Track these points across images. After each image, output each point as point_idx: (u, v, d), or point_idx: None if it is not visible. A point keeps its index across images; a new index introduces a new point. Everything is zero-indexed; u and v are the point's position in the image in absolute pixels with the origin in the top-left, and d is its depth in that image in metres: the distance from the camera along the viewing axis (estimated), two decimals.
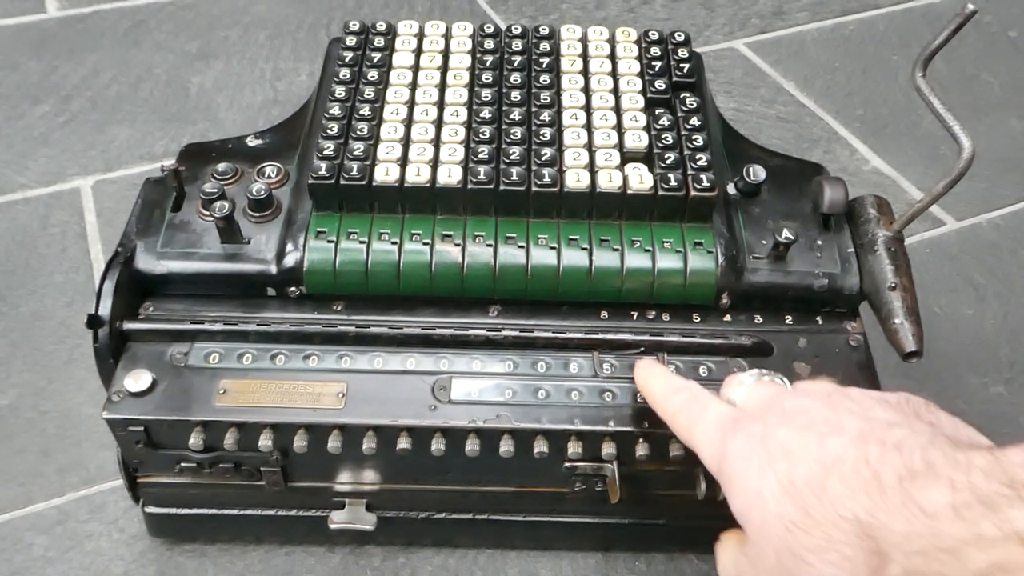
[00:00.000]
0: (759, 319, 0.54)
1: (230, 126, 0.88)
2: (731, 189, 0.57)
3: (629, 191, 0.52)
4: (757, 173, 0.56)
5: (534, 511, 0.56)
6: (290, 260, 0.52)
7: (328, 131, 0.54)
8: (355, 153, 0.53)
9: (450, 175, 0.52)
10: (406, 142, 0.55)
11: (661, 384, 0.47)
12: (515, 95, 0.58)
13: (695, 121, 0.57)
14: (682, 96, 0.58)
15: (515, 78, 0.59)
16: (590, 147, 0.55)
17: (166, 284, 0.53)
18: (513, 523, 0.56)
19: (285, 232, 0.53)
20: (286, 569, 0.57)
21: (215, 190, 0.53)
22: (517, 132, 0.55)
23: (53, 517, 0.60)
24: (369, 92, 0.57)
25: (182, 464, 0.51)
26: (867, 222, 0.55)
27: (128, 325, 0.51)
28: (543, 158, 0.53)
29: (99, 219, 0.79)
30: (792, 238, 0.53)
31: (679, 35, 0.63)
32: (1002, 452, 0.33)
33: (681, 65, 0.61)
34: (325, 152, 0.53)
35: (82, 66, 0.95)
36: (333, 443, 0.49)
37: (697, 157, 0.54)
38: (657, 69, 0.60)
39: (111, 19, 1.01)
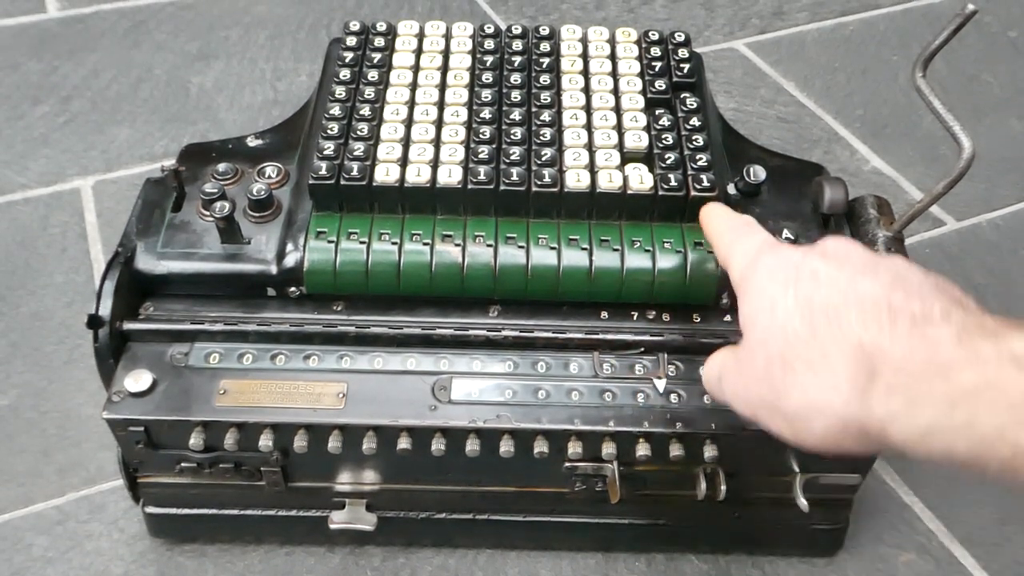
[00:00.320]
0: None
1: (230, 126, 0.88)
2: (731, 189, 0.57)
3: (629, 191, 0.52)
4: (757, 173, 0.56)
5: (534, 511, 0.56)
6: (290, 260, 0.52)
7: (328, 131, 0.54)
8: (355, 153, 0.53)
9: (450, 175, 0.52)
10: (406, 142, 0.55)
11: (723, 212, 0.49)
12: (515, 95, 0.58)
13: (695, 121, 0.57)
14: (682, 96, 0.58)
15: (515, 78, 0.59)
16: (590, 147, 0.55)
17: (166, 284, 0.53)
18: (513, 523, 0.56)
19: (285, 232, 0.53)
20: (286, 569, 0.57)
21: (215, 190, 0.53)
22: (517, 132, 0.55)
23: (53, 517, 0.60)
24: (369, 92, 0.57)
25: (182, 464, 0.51)
26: (867, 222, 0.55)
27: (128, 325, 0.51)
28: (543, 158, 0.53)
29: (99, 219, 0.79)
30: (792, 238, 0.53)
31: (679, 35, 0.63)
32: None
33: (681, 65, 0.61)
34: (325, 152, 0.53)
35: (82, 66, 0.95)
36: (333, 443, 0.49)
37: (697, 157, 0.54)
38: (657, 69, 0.60)
39: (111, 19, 1.01)
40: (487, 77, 0.59)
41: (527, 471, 0.52)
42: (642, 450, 0.50)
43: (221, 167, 0.57)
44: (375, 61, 0.60)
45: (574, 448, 0.50)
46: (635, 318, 0.53)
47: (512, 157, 0.53)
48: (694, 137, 0.55)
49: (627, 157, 0.55)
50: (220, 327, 0.52)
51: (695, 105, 0.58)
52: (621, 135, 0.56)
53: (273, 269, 0.52)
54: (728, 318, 0.53)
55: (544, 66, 0.60)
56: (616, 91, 0.59)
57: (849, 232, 0.56)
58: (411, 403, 0.50)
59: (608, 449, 0.50)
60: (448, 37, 0.63)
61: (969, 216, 0.83)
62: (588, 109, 0.58)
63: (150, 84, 0.93)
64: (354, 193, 0.52)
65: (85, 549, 0.58)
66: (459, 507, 0.56)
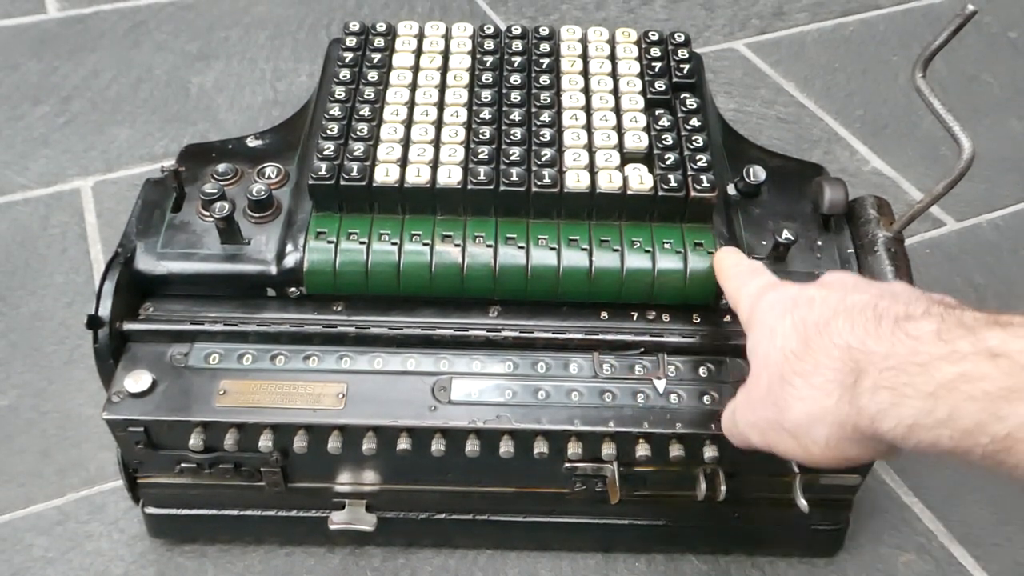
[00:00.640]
0: None
1: (230, 127, 0.88)
2: (731, 190, 0.57)
3: (629, 192, 0.52)
4: (757, 174, 0.56)
5: (534, 512, 0.56)
6: (290, 261, 0.52)
7: (328, 132, 0.54)
8: (355, 154, 0.53)
9: (450, 176, 0.52)
10: (406, 143, 0.55)
11: (732, 257, 0.51)
12: (515, 96, 0.58)
13: (695, 122, 0.57)
14: (682, 97, 0.58)
15: (515, 79, 0.59)
16: (590, 148, 0.55)
17: (166, 284, 0.53)
18: (513, 524, 0.56)
19: (285, 233, 0.53)
20: (286, 570, 0.57)
21: (215, 191, 0.53)
22: (517, 133, 0.55)
23: (53, 518, 0.60)
24: (369, 93, 0.57)
25: (182, 465, 0.51)
26: (867, 223, 0.55)
27: (128, 326, 0.51)
28: (543, 159, 0.53)
29: (99, 219, 0.79)
30: (792, 239, 0.53)
31: (679, 36, 0.63)
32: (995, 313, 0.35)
33: (681, 66, 0.61)
34: (325, 153, 0.53)
35: (82, 66, 0.95)
36: (333, 444, 0.49)
37: (697, 158, 0.54)
38: (657, 70, 0.60)
39: (111, 19, 1.01)
40: (487, 77, 0.59)
41: (527, 471, 0.52)
42: (642, 450, 0.50)
43: (221, 167, 0.57)
44: (375, 61, 0.60)
45: (574, 448, 0.50)
46: (635, 318, 0.53)
47: (512, 157, 0.53)
48: (694, 137, 0.55)
49: (627, 157, 0.55)
50: (220, 327, 0.52)
51: (695, 105, 0.58)
52: (621, 135, 0.56)
53: (273, 269, 0.52)
54: (728, 318, 0.53)
55: (544, 66, 0.60)
56: (616, 91, 0.59)
57: (849, 232, 0.56)
58: (411, 403, 0.50)
59: (608, 449, 0.50)
60: (448, 37, 0.63)
61: (969, 216, 0.83)
62: (588, 109, 0.58)
63: (150, 84, 0.93)
64: (354, 193, 0.52)
65: (85, 549, 0.58)
66: (459, 507, 0.56)
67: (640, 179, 0.52)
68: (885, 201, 0.56)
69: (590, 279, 0.52)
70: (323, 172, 0.52)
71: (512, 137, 0.55)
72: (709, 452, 0.50)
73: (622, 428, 0.49)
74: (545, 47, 0.62)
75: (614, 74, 0.60)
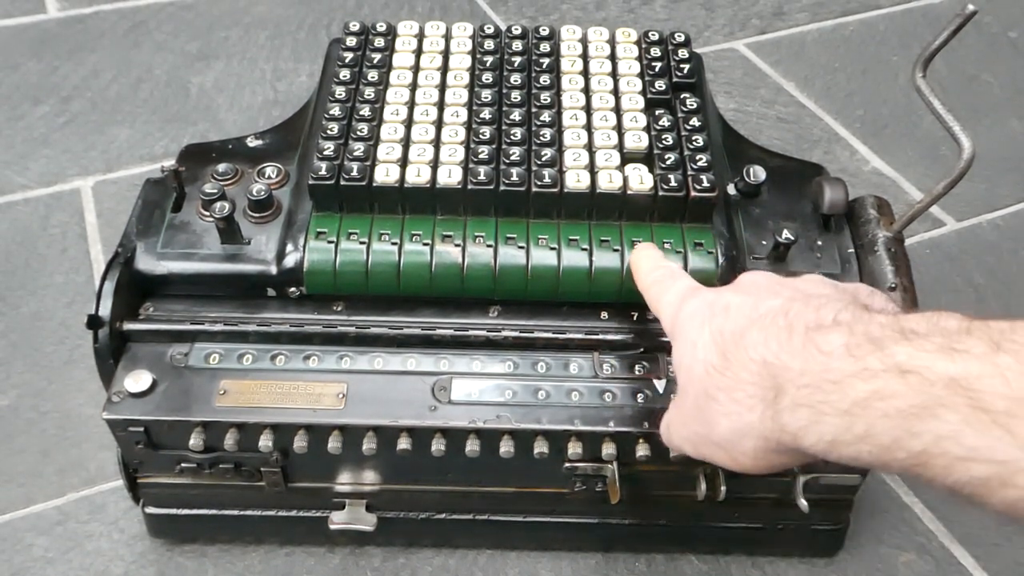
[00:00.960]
0: None
1: (230, 126, 0.88)
2: (731, 190, 0.57)
3: (629, 192, 0.52)
4: (757, 174, 0.56)
5: (534, 512, 0.56)
6: (290, 261, 0.52)
7: (328, 132, 0.54)
8: (355, 154, 0.53)
9: (450, 176, 0.52)
10: (406, 143, 0.55)
11: (648, 262, 0.50)
12: (515, 96, 0.58)
13: (695, 122, 0.57)
14: (682, 97, 0.58)
15: (515, 79, 0.59)
16: (590, 148, 0.55)
17: (166, 284, 0.53)
18: (513, 524, 0.56)
19: (285, 233, 0.53)
20: (286, 570, 0.57)
21: (215, 191, 0.53)
22: (517, 133, 0.55)
23: (53, 518, 0.60)
24: (369, 93, 0.57)
25: (182, 464, 0.51)
26: (867, 223, 0.55)
27: (128, 326, 0.51)
28: (543, 159, 0.53)
29: (99, 219, 0.79)
30: (792, 239, 0.52)
31: (679, 36, 0.63)
32: (904, 315, 0.36)
33: (681, 66, 0.61)
34: (325, 153, 0.53)
35: (82, 66, 0.95)
36: (333, 443, 0.49)
37: (697, 158, 0.54)
38: (657, 70, 0.60)
39: (111, 19, 1.01)
40: (487, 77, 0.59)
41: (527, 471, 0.52)
42: (642, 450, 0.50)
43: (221, 167, 0.57)
44: (375, 61, 0.60)
45: (574, 448, 0.50)
46: (635, 318, 0.53)
47: (512, 157, 0.53)
48: (694, 137, 0.55)
49: (627, 157, 0.55)
50: (220, 327, 0.52)
51: (695, 105, 0.58)
52: (621, 135, 0.56)
53: (273, 269, 0.52)
54: None
55: (544, 66, 0.60)
56: (616, 91, 0.59)
57: (849, 232, 0.56)
58: (411, 403, 0.50)
59: (608, 449, 0.50)
60: (448, 37, 0.63)
61: (969, 216, 0.83)
62: (588, 109, 0.58)
63: (150, 84, 0.93)
64: (354, 193, 0.52)
65: (85, 549, 0.58)
66: (459, 507, 0.56)
67: (640, 179, 0.52)
68: (885, 201, 0.56)
69: (590, 279, 0.52)
70: (323, 172, 0.52)
71: (512, 137, 0.55)
72: None
73: (622, 428, 0.49)
74: (545, 47, 0.62)
75: (614, 74, 0.60)
